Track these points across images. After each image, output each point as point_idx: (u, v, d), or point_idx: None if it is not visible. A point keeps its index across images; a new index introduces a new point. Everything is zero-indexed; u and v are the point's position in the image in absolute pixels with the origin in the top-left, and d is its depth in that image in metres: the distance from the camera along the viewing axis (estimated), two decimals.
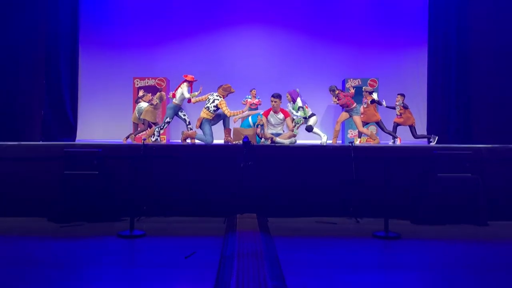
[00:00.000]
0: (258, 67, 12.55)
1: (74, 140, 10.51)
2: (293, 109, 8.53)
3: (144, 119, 9.50)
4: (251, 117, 8.58)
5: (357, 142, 10.00)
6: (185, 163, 6.66)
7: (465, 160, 6.30)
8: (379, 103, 9.57)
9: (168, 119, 8.73)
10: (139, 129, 9.79)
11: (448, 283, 3.79)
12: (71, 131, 10.56)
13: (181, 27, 12.70)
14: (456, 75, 10.77)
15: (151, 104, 9.48)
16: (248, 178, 6.37)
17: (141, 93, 10.18)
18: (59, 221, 6.05)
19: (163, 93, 9.75)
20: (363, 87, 9.98)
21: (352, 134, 11.68)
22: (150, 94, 10.05)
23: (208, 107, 8.03)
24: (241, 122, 9.18)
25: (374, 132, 10.96)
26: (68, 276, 3.90)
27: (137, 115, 9.82)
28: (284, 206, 6.55)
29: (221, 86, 8.18)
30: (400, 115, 9.75)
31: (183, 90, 8.64)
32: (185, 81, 8.71)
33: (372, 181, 6.34)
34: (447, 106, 10.84)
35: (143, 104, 9.74)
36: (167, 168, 6.66)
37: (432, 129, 10.77)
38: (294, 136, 7.70)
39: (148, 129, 9.46)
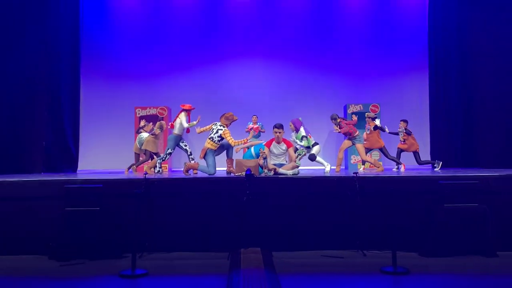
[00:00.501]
0: (259, 96, 12.56)
1: (75, 170, 10.45)
2: (296, 138, 8.48)
3: (145, 150, 9.46)
4: (254, 148, 8.53)
5: (361, 169, 9.91)
6: (187, 196, 6.57)
7: (472, 190, 6.20)
8: (382, 129, 9.52)
9: (169, 150, 8.69)
10: (140, 159, 9.74)
11: None
12: (73, 162, 10.51)
13: (182, 57, 12.76)
14: (458, 98, 10.79)
15: (153, 134, 9.44)
16: (251, 211, 6.27)
17: (142, 123, 10.15)
18: (60, 259, 5.94)
19: (163, 122, 9.73)
20: (366, 113, 9.93)
21: (355, 159, 11.60)
22: (151, 123, 10.04)
23: (212, 138, 7.99)
24: (243, 153, 9.13)
25: (377, 159, 10.90)
26: None
27: (138, 145, 9.77)
28: (289, 239, 6.43)
29: (223, 115, 8.15)
30: (404, 141, 9.71)
31: (181, 119, 8.63)
32: (183, 110, 8.70)
33: (378, 212, 6.25)
34: (451, 129, 10.83)
35: (144, 134, 9.71)
36: (168, 202, 6.57)
37: (436, 153, 10.72)
38: (297, 167, 7.62)
39: (150, 159, 9.40)
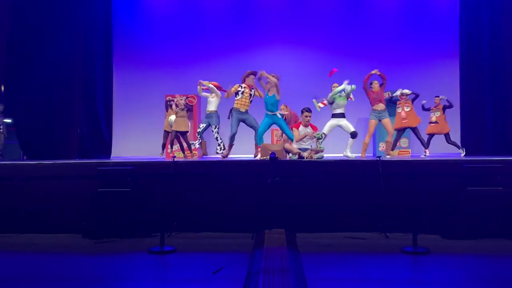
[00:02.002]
0: (287, 84, 12.61)
1: (109, 157, 10.79)
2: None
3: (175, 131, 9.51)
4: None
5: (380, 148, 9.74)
6: (214, 179, 6.78)
7: (496, 173, 6.20)
8: (417, 96, 9.34)
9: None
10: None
11: None
12: (107, 148, 10.85)
13: (211, 45, 12.97)
14: (490, 86, 10.57)
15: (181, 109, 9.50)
16: (276, 194, 6.43)
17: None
18: (94, 237, 6.25)
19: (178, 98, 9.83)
20: (400, 91, 9.50)
21: (383, 147, 11.56)
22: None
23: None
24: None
25: (406, 145, 10.82)
26: None
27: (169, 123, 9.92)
28: (313, 221, 6.56)
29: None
30: (436, 122, 9.53)
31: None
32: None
33: (401, 195, 6.31)
34: (483, 119, 10.60)
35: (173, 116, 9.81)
36: (196, 184, 6.79)
37: (466, 142, 10.50)
38: (322, 151, 7.73)
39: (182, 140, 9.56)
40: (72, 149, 10.07)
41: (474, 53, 10.78)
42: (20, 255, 5.56)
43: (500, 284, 4.19)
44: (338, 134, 9.24)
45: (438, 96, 9.71)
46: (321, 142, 7.90)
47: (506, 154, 9.80)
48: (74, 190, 6.73)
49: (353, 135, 8.40)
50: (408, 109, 9.23)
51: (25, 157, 9.92)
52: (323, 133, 8.18)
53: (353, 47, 12.80)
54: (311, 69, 12.79)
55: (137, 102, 12.79)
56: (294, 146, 7.86)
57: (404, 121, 9.16)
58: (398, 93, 9.47)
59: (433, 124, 9.55)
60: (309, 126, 8.00)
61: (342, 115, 8.51)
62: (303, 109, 8.05)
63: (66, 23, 10.15)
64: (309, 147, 7.98)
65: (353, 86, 8.53)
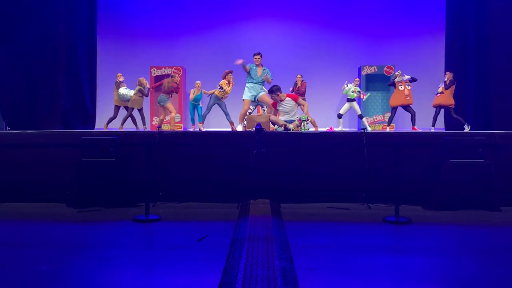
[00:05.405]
0: (274, 57, 12.59)
1: (93, 129, 10.72)
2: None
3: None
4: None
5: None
6: (200, 150, 6.78)
7: (478, 145, 6.29)
8: (414, 79, 9.78)
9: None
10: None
11: (457, 266, 3.82)
12: (90, 120, 10.78)
13: (197, 18, 12.83)
14: (475, 61, 10.61)
15: (141, 93, 9.70)
16: (261, 165, 6.46)
17: (122, 78, 10.35)
18: (77, 207, 6.23)
19: (141, 78, 9.94)
20: (396, 74, 10.04)
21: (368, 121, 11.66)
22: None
23: None
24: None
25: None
26: (86, 257, 4.06)
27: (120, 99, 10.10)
28: (297, 192, 6.63)
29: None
30: (442, 92, 9.69)
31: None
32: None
33: (384, 167, 6.39)
34: (465, 93, 10.70)
35: (124, 90, 9.92)
36: (182, 155, 6.79)
37: (449, 117, 10.63)
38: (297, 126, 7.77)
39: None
40: (56, 121, 9.92)
41: (459, 29, 10.81)
42: (3, 223, 5.53)
43: (479, 252, 4.29)
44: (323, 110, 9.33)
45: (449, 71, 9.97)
46: (306, 124, 7.90)
47: (486, 129, 9.93)
48: (58, 160, 6.68)
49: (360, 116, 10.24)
50: (409, 87, 9.74)
51: (8, 128, 9.79)
52: (305, 115, 8.23)
53: (339, 21, 12.77)
54: (296, 42, 12.75)
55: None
56: (281, 118, 7.87)
57: (407, 98, 9.64)
58: (399, 79, 9.88)
59: (438, 95, 9.80)
60: (289, 98, 7.97)
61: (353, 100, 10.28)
62: (269, 90, 8.02)
63: None
64: (294, 118, 7.98)
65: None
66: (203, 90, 10.29)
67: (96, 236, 4.90)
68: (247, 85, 8.54)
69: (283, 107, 7.93)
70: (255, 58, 8.46)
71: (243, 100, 8.53)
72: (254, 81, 8.41)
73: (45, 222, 5.58)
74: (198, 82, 10.39)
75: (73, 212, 6.07)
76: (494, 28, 10.13)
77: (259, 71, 8.39)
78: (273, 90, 7.86)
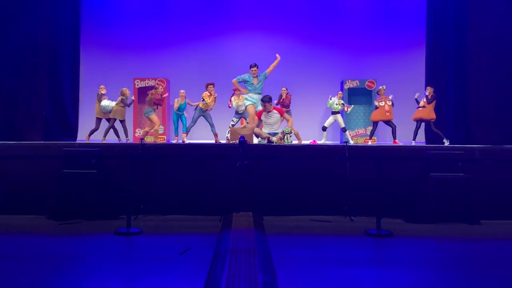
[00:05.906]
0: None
1: (75, 140, 10.60)
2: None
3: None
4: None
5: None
6: (182, 162, 6.77)
7: (458, 160, 6.39)
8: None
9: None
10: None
11: (438, 279, 3.87)
12: (72, 132, 10.65)
13: (182, 29, 12.85)
14: (454, 74, 10.75)
15: (123, 103, 9.63)
16: (244, 177, 6.47)
17: (104, 90, 10.22)
18: (58, 219, 6.15)
19: (124, 89, 9.90)
20: (380, 88, 10.19)
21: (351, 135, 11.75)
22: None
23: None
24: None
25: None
26: (67, 270, 4.02)
27: (102, 111, 9.91)
28: (280, 205, 6.64)
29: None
30: (424, 106, 9.76)
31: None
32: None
33: (366, 180, 6.43)
34: (445, 106, 10.84)
35: (107, 102, 9.84)
36: (164, 167, 6.77)
37: (430, 129, 10.77)
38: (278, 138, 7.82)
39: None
40: (37, 133, 9.79)
41: (440, 43, 10.98)
42: None
43: (458, 264, 4.35)
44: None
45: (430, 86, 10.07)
46: (290, 137, 7.97)
47: (466, 143, 10.07)
48: (39, 171, 6.60)
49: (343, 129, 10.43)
50: (390, 103, 9.90)
51: None
52: (288, 128, 8.30)
53: (321, 34, 12.88)
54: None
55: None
56: (264, 131, 7.91)
57: (387, 114, 9.81)
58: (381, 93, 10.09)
59: (419, 109, 9.84)
60: (274, 111, 8.05)
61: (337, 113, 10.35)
62: (262, 99, 8.09)
63: (31, 2, 9.85)
64: (278, 131, 8.02)
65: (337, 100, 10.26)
66: (187, 100, 10.27)
67: (77, 249, 4.85)
68: (246, 96, 8.73)
69: (268, 118, 7.99)
70: (252, 71, 8.64)
71: (245, 107, 8.66)
72: (253, 91, 8.59)
73: (25, 235, 5.50)
74: (182, 91, 10.36)
75: (54, 224, 5.99)
76: (474, 42, 10.33)
77: (255, 81, 8.59)
78: (265, 100, 7.99)
